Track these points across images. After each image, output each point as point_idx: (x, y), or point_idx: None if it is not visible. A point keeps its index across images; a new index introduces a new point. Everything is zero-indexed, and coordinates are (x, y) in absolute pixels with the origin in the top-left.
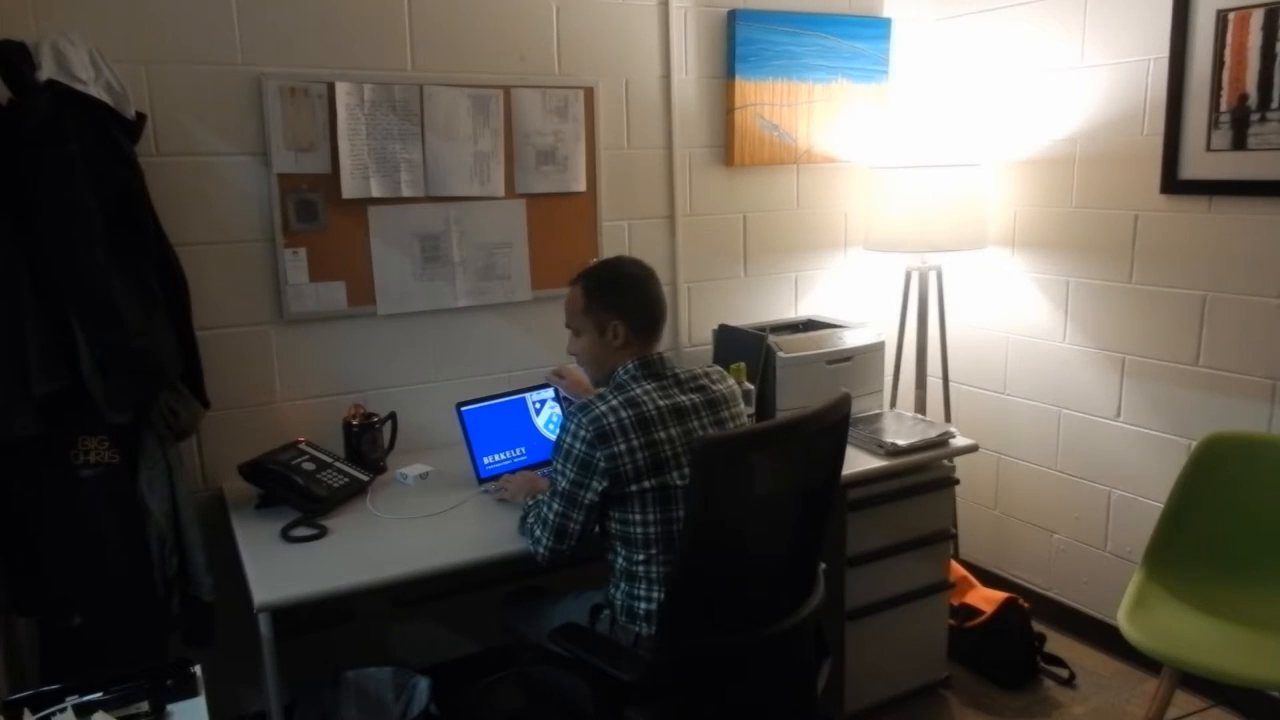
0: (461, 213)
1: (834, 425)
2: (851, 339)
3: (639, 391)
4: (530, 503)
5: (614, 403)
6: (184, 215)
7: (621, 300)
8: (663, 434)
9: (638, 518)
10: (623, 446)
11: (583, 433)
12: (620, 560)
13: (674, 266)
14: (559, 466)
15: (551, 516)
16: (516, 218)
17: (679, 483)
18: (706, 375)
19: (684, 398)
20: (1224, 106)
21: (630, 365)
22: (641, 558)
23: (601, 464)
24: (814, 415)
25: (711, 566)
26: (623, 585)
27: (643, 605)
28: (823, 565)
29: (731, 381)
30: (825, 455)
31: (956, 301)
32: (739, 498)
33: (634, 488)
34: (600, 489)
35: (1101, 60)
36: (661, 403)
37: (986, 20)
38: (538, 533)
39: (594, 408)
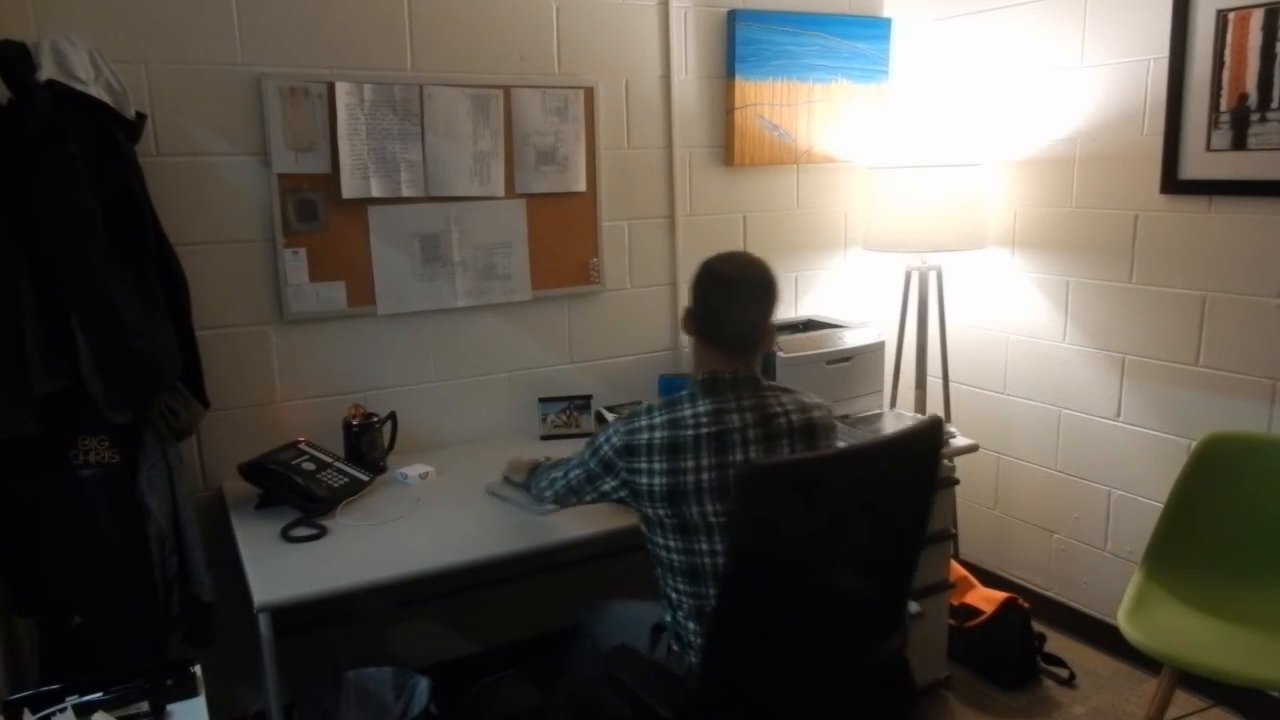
0: (461, 213)
1: (918, 453)
2: (851, 339)
3: (687, 413)
4: (543, 461)
5: (656, 420)
6: (184, 215)
7: (698, 298)
8: (690, 463)
9: (661, 541)
10: (643, 466)
11: (615, 439)
12: (661, 583)
13: (674, 266)
14: (586, 455)
15: (572, 478)
16: (516, 218)
17: (697, 519)
18: (780, 404)
19: (735, 423)
20: (1224, 106)
21: (699, 378)
22: (672, 583)
23: (622, 474)
24: (879, 444)
25: (758, 604)
26: (670, 611)
27: (689, 636)
28: (915, 607)
29: (819, 415)
30: (904, 485)
31: (956, 301)
32: (789, 530)
33: (650, 510)
34: (621, 494)
35: (1101, 60)
36: (705, 430)
37: (986, 20)
38: (555, 476)
39: (637, 420)
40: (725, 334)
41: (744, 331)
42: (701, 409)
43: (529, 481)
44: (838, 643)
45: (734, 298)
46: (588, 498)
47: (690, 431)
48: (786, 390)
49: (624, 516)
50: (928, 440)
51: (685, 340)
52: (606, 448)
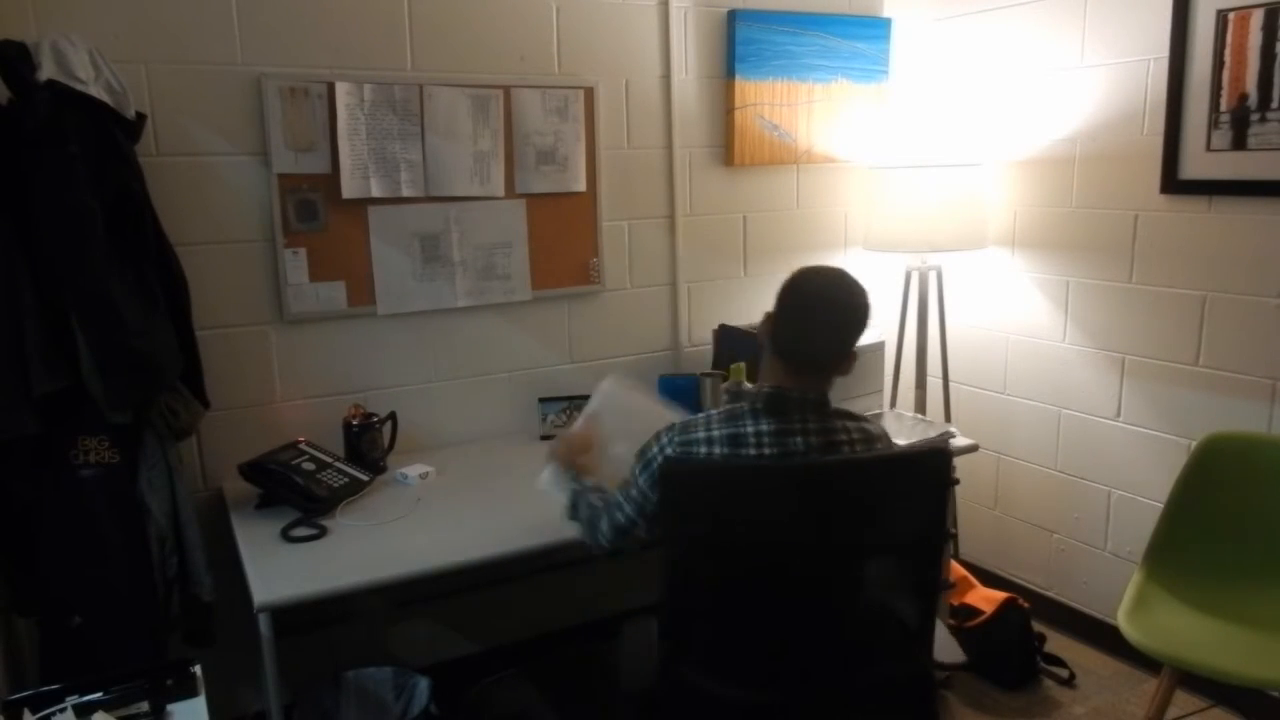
0: (461, 213)
1: (900, 476)
2: None
3: (749, 430)
4: (576, 488)
5: (715, 433)
6: (184, 215)
7: (777, 307)
8: None
9: None
10: None
11: (669, 450)
12: None
13: (674, 266)
14: (637, 471)
15: (620, 518)
16: (516, 218)
17: None
18: (845, 430)
19: (799, 446)
20: (1224, 106)
21: (764, 392)
22: None
23: None
24: (835, 463)
25: (700, 605)
26: None
27: None
28: (959, 656)
29: (881, 447)
30: (886, 507)
31: (956, 301)
32: (716, 533)
33: None
34: None
35: (1101, 60)
36: (767, 450)
37: (986, 20)
38: (602, 526)
39: (694, 430)
40: (796, 351)
41: (815, 352)
42: (764, 428)
43: (578, 513)
44: (812, 654)
45: (810, 316)
46: (641, 532)
47: (752, 451)
48: (852, 417)
49: None
50: (904, 462)
51: (687, 341)
52: (660, 458)
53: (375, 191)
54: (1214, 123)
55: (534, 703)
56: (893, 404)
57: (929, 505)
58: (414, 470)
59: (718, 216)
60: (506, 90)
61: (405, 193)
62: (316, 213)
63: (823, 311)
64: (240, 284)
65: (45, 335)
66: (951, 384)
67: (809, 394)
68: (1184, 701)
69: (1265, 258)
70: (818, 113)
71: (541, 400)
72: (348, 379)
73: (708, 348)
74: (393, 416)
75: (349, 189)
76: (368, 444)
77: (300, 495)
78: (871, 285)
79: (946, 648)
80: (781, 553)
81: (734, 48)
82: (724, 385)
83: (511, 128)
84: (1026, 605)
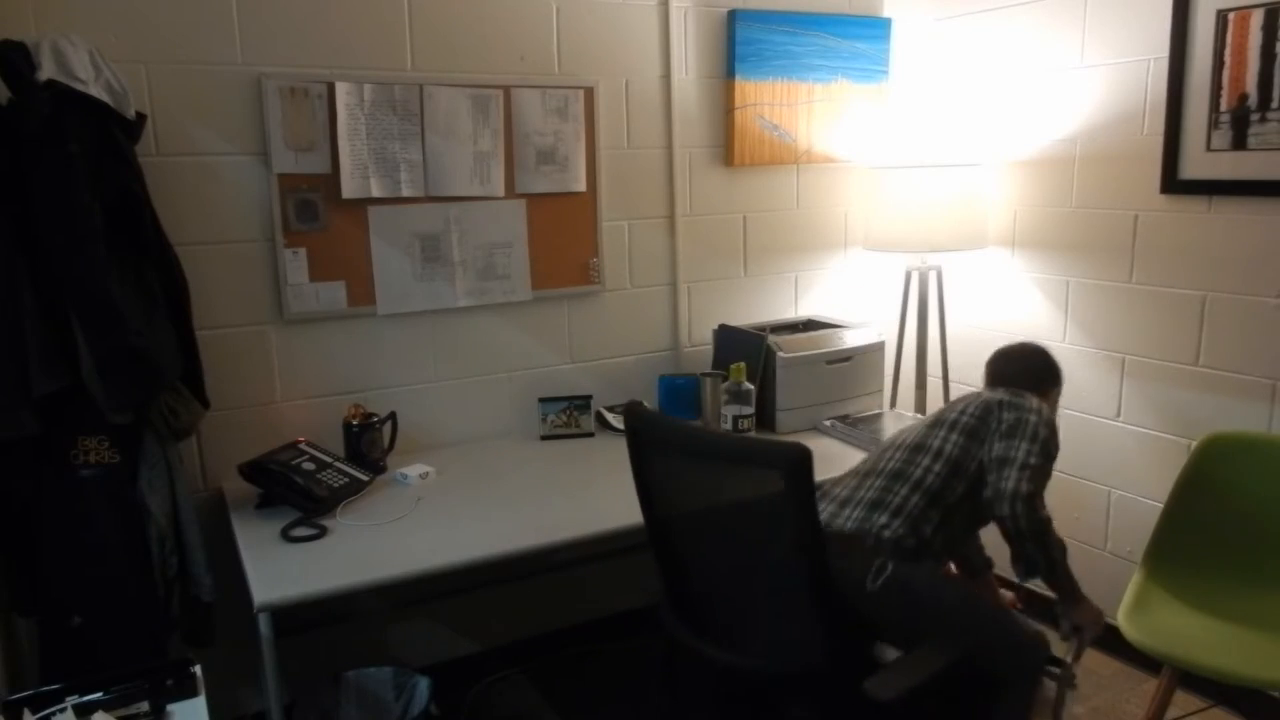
0: (461, 213)
1: (763, 470)
2: (851, 339)
3: (960, 403)
4: None
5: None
6: (184, 215)
7: None
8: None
9: None
10: None
11: None
12: None
13: (674, 266)
14: None
15: None
16: (516, 218)
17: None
18: (1002, 407)
19: (959, 407)
20: (1224, 106)
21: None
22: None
23: None
24: (730, 441)
25: (655, 533)
26: None
27: None
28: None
29: (1020, 413)
30: (761, 520)
31: (956, 301)
32: (659, 485)
33: None
34: None
35: (1101, 60)
36: (947, 415)
37: (986, 20)
38: None
39: None
40: (987, 373)
41: (992, 372)
42: (966, 407)
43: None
44: (718, 620)
45: (995, 360)
46: None
47: (943, 413)
48: (1016, 406)
49: (624, 516)
50: (772, 464)
51: (687, 341)
52: None
53: (375, 191)
54: (1214, 123)
55: (534, 703)
56: (893, 404)
57: (784, 508)
58: (414, 470)
59: (717, 216)
60: (506, 90)
61: (405, 193)
62: (316, 213)
63: (999, 357)
64: (240, 284)
65: (45, 335)
66: (951, 384)
67: (985, 393)
68: (1184, 701)
69: (1265, 258)
70: (818, 113)
71: (541, 400)
72: (348, 379)
73: (708, 348)
74: (393, 416)
75: (349, 189)
76: (368, 444)
77: (300, 495)
78: (871, 285)
79: (883, 683)
80: (674, 511)
81: (734, 48)
82: (724, 385)
83: (511, 128)
84: (1026, 605)
